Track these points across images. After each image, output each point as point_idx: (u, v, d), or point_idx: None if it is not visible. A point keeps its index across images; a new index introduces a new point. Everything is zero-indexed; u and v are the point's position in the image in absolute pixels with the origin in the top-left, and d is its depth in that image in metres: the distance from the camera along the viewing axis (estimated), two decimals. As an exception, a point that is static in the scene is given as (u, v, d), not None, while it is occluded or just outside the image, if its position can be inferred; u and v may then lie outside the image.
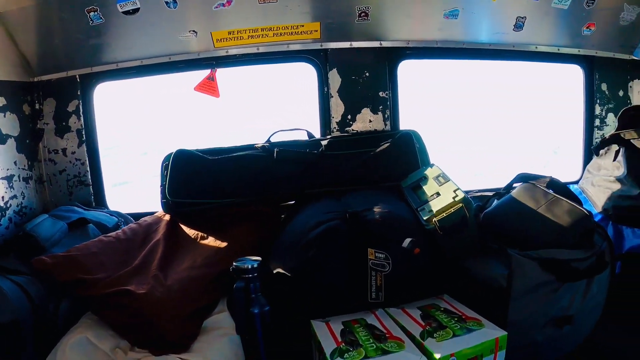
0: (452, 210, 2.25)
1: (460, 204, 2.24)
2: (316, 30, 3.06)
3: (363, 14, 3.02)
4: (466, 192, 2.35)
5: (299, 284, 2.19)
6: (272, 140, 3.00)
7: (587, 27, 3.46)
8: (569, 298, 2.16)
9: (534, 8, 3.24)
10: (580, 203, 2.51)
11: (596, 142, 3.32)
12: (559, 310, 2.15)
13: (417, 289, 2.23)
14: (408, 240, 2.16)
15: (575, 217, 2.29)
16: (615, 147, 3.02)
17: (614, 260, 2.41)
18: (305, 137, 3.12)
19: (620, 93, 3.83)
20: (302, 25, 3.04)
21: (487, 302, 2.12)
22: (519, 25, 3.28)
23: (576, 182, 3.44)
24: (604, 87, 3.77)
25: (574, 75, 3.81)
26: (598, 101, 3.78)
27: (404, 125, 3.39)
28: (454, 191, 2.32)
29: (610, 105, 3.76)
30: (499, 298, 2.10)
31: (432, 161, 2.93)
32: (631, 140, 2.94)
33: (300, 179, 2.81)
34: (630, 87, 3.87)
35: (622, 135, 2.97)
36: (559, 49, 3.57)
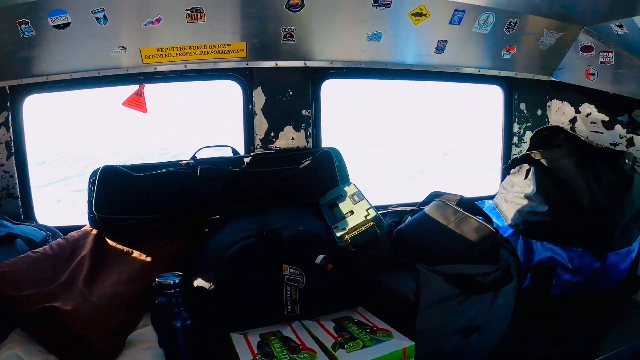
0: (363, 228, 2.33)
1: (372, 223, 2.33)
2: (242, 50, 3.11)
3: (288, 35, 3.08)
4: (386, 207, 2.44)
5: (218, 299, 2.24)
6: (198, 156, 3.05)
7: (507, 51, 3.59)
8: (475, 309, 2.28)
9: (455, 32, 3.36)
10: (489, 220, 2.64)
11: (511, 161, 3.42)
12: (465, 321, 2.27)
13: (331, 302, 2.31)
14: (321, 256, 2.23)
15: (481, 233, 2.41)
16: (526, 166, 3.15)
17: (520, 273, 2.53)
18: (230, 154, 3.17)
19: (539, 112, 3.97)
20: (229, 45, 3.07)
21: (398, 314, 2.21)
22: (440, 48, 3.40)
23: (493, 197, 3.57)
24: (522, 106, 3.91)
25: (496, 95, 3.95)
26: (516, 120, 3.92)
27: (326, 143, 3.47)
28: (367, 210, 2.41)
29: (529, 124, 3.90)
30: (408, 310, 2.20)
31: (351, 178, 3.01)
32: (540, 160, 3.08)
33: (222, 196, 2.85)
34: (549, 106, 4.02)
35: (532, 156, 3.10)
36: (479, 71, 3.71)
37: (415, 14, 3.16)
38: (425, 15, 3.18)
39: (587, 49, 3.73)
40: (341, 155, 3.14)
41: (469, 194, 3.73)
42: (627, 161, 3.06)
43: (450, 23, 3.28)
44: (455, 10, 3.23)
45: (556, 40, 3.63)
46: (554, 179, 3.06)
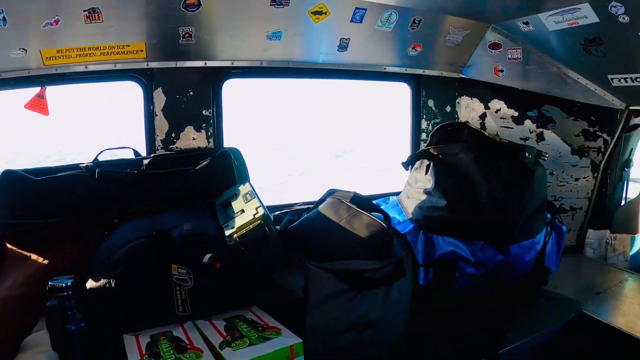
0: (251, 226, 2.33)
1: (259, 221, 2.32)
2: (142, 50, 3.08)
3: (187, 34, 3.06)
4: (290, 206, 2.44)
5: (109, 301, 2.22)
6: (101, 158, 3.01)
7: (412, 48, 3.64)
8: (367, 305, 2.28)
9: (357, 30, 3.38)
10: (387, 216, 2.66)
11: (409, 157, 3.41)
12: (358, 317, 2.27)
13: (221, 301, 2.31)
14: (208, 255, 2.23)
15: (372, 229, 2.42)
16: (426, 161, 3.18)
17: (416, 268, 2.54)
18: (132, 156, 3.14)
19: (448, 109, 4.03)
20: (128, 45, 3.04)
21: (289, 311, 2.21)
22: (343, 46, 3.43)
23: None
24: (430, 103, 3.95)
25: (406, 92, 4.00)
26: (424, 116, 3.97)
27: (229, 142, 3.44)
28: (256, 208, 2.40)
29: (437, 120, 3.96)
30: (298, 308, 2.20)
31: (255, 177, 3.01)
32: (439, 155, 3.11)
33: (121, 198, 2.82)
34: (458, 103, 4.08)
35: (431, 151, 3.13)
36: (385, 68, 3.74)
37: (315, 12, 3.18)
38: (325, 13, 3.20)
39: (495, 46, 3.81)
40: (241, 154, 3.14)
41: (377, 190, 3.77)
42: (527, 155, 3.10)
43: (351, 21, 3.30)
44: (356, 8, 3.25)
45: (463, 37, 3.70)
46: (452, 173, 3.09)
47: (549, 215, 3.32)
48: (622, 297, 3.40)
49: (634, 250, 4.05)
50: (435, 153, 3.14)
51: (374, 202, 3.38)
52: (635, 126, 4.21)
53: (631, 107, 3.93)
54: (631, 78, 3.54)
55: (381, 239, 2.42)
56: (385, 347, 2.49)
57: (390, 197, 3.53)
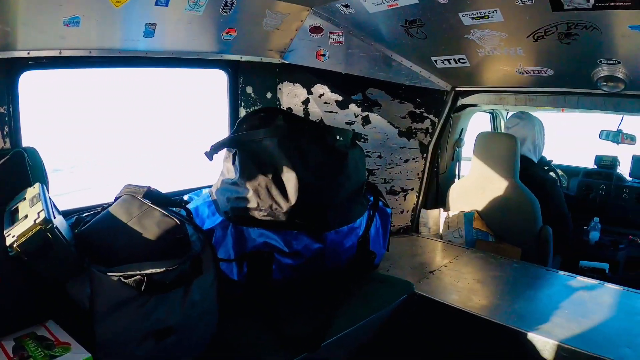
0: (30, 233, 2.12)
1: (40, 226, 2.13)
2: None
3: (-24, 23, 2.78)
4: (92, 208, 2.30)
5: None
6: None
7: (227, 33, 3.51)
8: (164, 310, 2.18)
9: (163, 14, 3.19)
10: (187, 211, 2.59)
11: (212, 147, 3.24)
12: (154, 323, 2.16)
13: (9, 318, 2.16)
14: (-19, 268, 2.08)
15: (164, 227, 2.31)
16: (233, 150, 3.06)
17: (217, 264, 2.48)
18: None
19: (269, 95, 3.97)
20: None
21: (80, 324, 2.10)
22: (149, 32, 3.22)
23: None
24: (249, 90, 3.88)
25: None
26: (243, 104, 3.89)
27: (28, 141, 3.16)
28: (38, 213, 2.21)
29: (257, 108, 3.88)
30: (86, 319, 2.09)
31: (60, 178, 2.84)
32: (244, 143, 3.02)
33: None
34: (280, 89, 4.03)
35: (235, 139, 3.04)
36: (198, 55, 3.62)
37: (114, -5, 2.95)
38: (126, -4, 2.97)
39: (316, 30, 3.79)
40: (38, 154, 2.91)
41: (192, 184, 3.66)
42: (338, 137, 3.10)
43: (156, 4, 3.08)
44: (160, -10, 3.07)
45: (283, 22, 3.63)
46: (257, 161, 2.99)
47: (371, 198, 3.33)
48: (457, 273, 3.50)
49: (467, 226, 4.17)
50: (239, 140, 3.04)
51: (188, 195, 3.29)
52: (464, 106, 4.34)
53: (457, 89, 4.05)
54: (454, 59, 3.63)
55: (173, 237, 2.32)
56: (198, 351, 2.42)
57: (203, 190, 3.42)
